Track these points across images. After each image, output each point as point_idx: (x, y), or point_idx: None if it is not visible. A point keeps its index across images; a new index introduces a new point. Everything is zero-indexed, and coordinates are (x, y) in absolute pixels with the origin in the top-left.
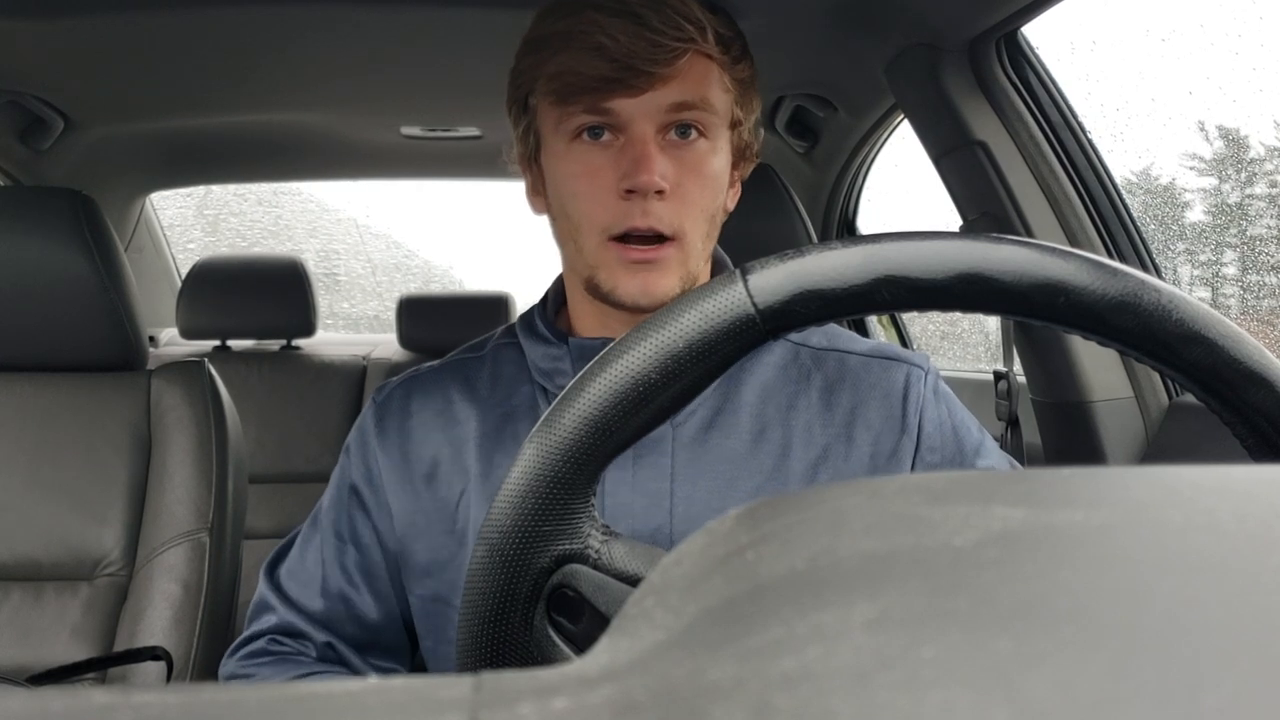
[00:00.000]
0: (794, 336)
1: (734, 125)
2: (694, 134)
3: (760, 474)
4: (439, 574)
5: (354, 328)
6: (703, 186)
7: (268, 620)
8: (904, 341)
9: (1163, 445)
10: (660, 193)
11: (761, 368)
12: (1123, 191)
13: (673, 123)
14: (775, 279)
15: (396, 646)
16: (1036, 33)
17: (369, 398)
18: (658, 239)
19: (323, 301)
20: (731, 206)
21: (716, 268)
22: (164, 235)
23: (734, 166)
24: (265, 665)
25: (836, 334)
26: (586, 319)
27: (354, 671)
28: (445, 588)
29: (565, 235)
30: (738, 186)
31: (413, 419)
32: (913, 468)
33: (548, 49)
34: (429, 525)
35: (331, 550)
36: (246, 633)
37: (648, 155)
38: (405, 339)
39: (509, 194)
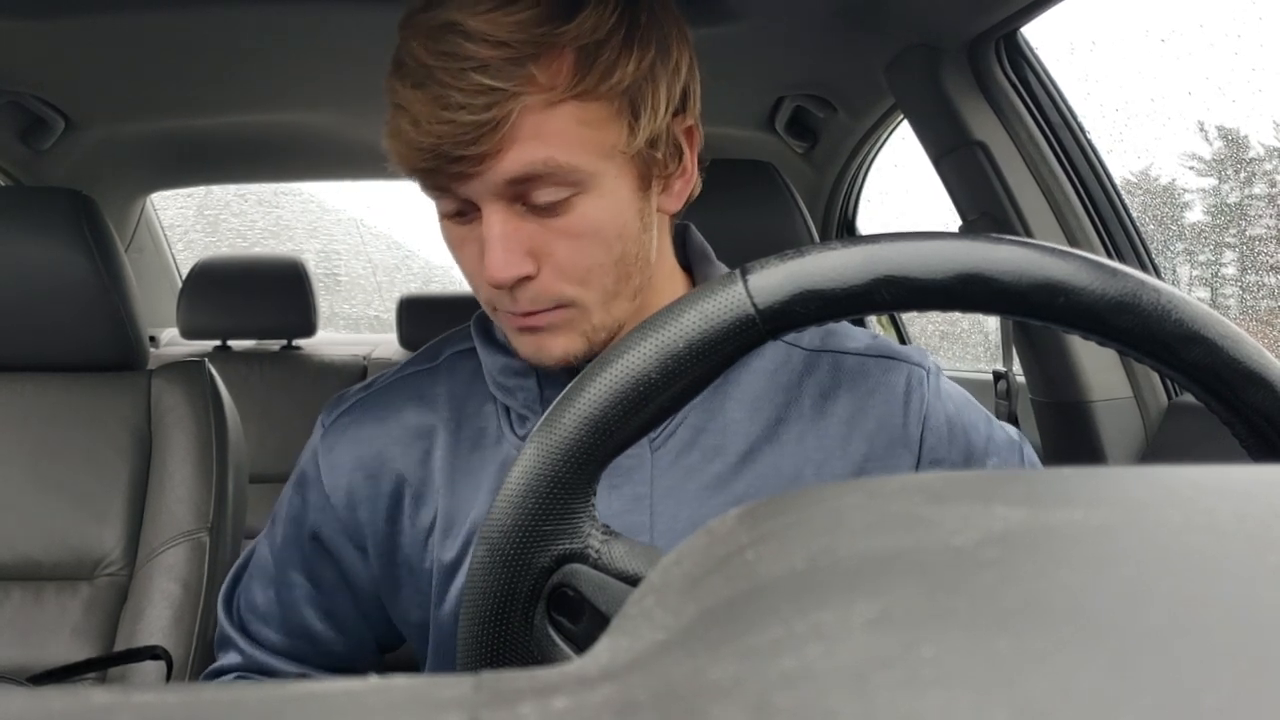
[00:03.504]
0: (787, 336)
1: (627, 148)
2: (559, 191)
3: (751, 499)
4: (425, 606)
5: (355, 329)
6: (584, 250)
7: (232, 658)
8: (904, 341)
9: (1162, 445)
10: (527, 276)
11: (750, 376)
12: (1122, 192)
13: (525, 190)
14: (775, 279)
15: (371, 670)
16: (1036, 33)
17: (319, 420)
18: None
19: (323, 303)
20: (678, 206)
21: (704, 264)
22: (164, 235)
23: (650, 180)
24: None
25: (831, 331)
26: None
27: None
28: (428, 617)
29: None
30: (689, 178)
31: (366, 448)
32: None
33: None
34: (405, 558)
35: (290, 591)
36: (213, 667)
37: (494, 247)
38: (405, 339)
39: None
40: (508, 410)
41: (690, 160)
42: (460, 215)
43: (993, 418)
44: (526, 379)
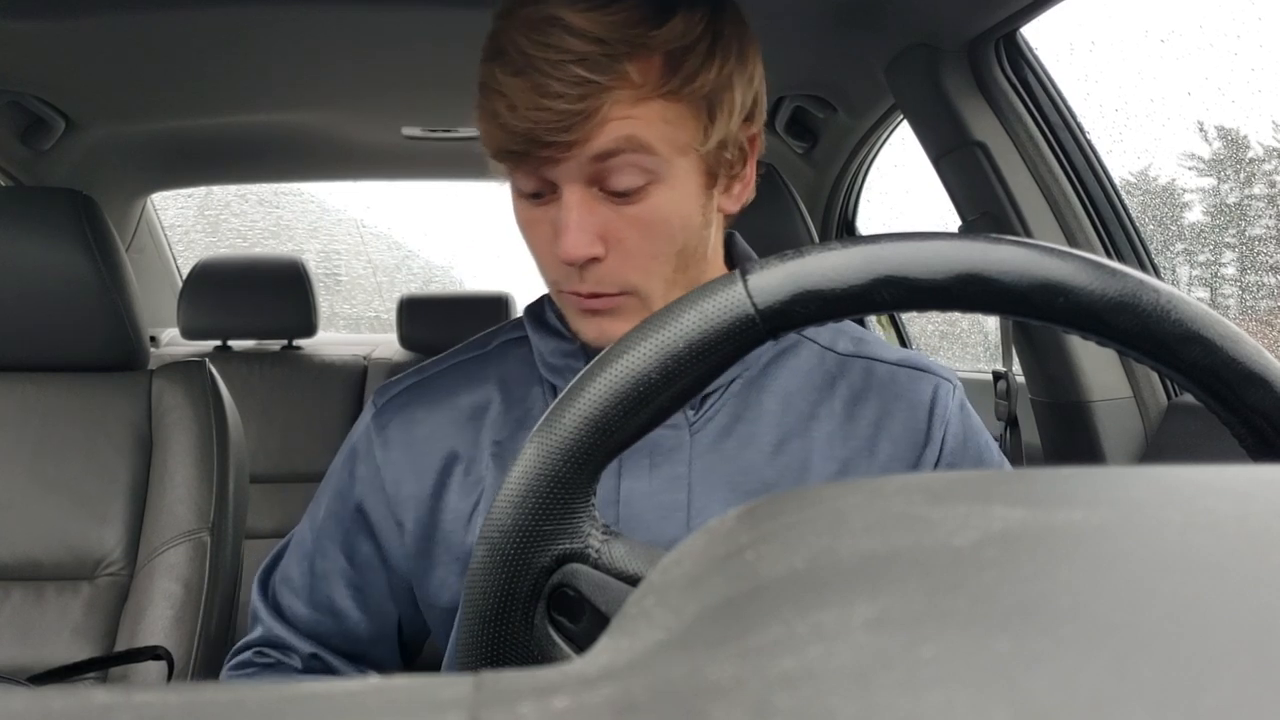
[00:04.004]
0: (821, 341)
1: (700, 147)
2: (636, 177)
3: (782, 484)
4: (456, 587)
5: (355, 329)
6: (652, 238)
7: (256, 631)
8: (903, 341)
9: (1162, 445)
10: (595, 258)
11: (785, 374)
12: (1121, 192)
13: (605, 172)
14: (775, 279)
15: (386, 660)
16: (1036, 33)
17: (368, 400)
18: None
19: (323, 303)
20: (735, 208)
21: (743, 260)
22: (165, 236)
23: (715, 179)
24: (249, 676)
25: (864, 340)
26: None
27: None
28: (458, 599)
29: None
30: (748, 182)
31: (419, 428)
32: None
33: (478, 98)
34: (444, 536)
35: (324, 563)
36: (240, 642)
37: (569, 226)
38: (405, 339)
39: (509, 194)
40: (554, 390)
41: (750, 166)
42: (537, 196)
43: (1004, 456)
44: (576, 360)
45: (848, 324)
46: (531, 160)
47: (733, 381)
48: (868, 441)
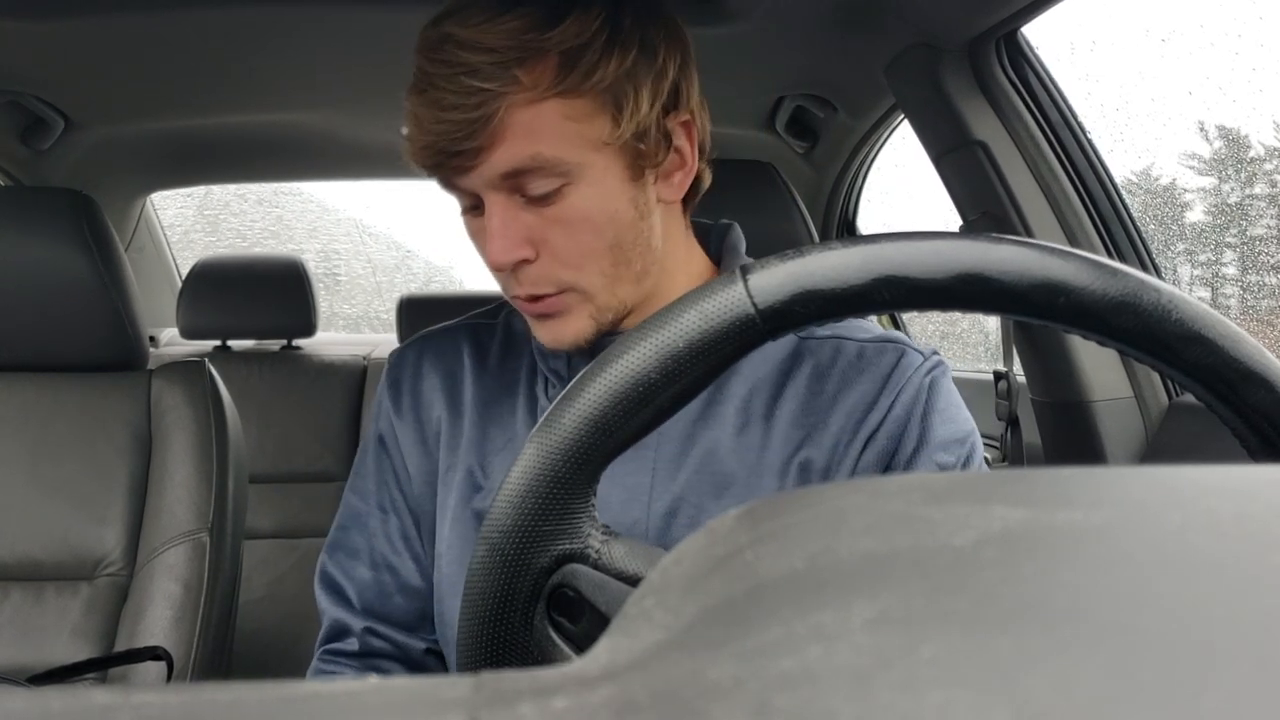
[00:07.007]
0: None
1: (612, 140)
2: (550, 182)
3: (742, 467)
4: (450, 538)
5: (355, 329)
6: (577, 236)
7: (323, 629)
8: None
9: (1162, 445)
10: (526, 260)
11: (757, 358)
12: (1122, 191)
13: (519, 181)
14: (775, 279)
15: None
16: (1036, 33)
17: (387, 358)
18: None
19: (323, 303)
20: (677, 196)
21: (730, 258)
22: (164, 235)
23: (642, 170)
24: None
25: (846, 323)
26: None
27: (401, 652)
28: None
29: None
30: (689, 167)
31: (424, 381)
32: (864, 450)
33: None
34: (434, 490)
35: (374, 521)
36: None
37: (493, 234)
38: (405, 339)
39: None
40: (537, 366)
41: (689, 153)
42: (475, 209)
43: (971, 439)
44: None
45: None
46: (448, 172)
47: None
48: (823, 415)
